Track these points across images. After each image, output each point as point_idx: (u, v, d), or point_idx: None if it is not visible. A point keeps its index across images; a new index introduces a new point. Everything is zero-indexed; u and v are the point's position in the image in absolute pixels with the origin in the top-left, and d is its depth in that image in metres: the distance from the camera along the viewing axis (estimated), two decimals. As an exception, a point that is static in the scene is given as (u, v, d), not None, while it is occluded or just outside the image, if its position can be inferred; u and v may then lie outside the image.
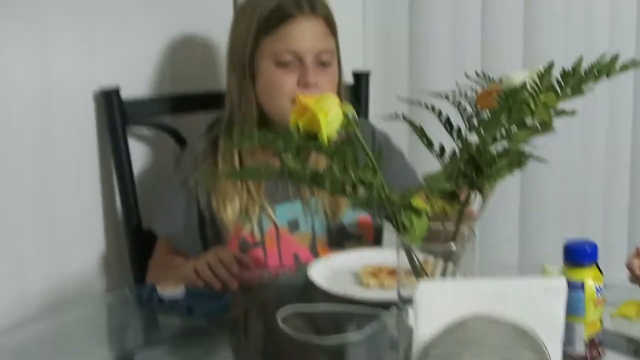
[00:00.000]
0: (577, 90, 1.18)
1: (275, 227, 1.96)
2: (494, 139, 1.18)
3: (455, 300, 1.15)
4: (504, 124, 1.17)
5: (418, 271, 1.24)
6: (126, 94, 2.13)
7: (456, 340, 1.14)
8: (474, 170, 1.21)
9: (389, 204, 1.20)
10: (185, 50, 2.23)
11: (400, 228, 1.22)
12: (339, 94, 1.96)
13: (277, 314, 1.58)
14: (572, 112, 1.22)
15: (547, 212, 2.59)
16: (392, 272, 1.70)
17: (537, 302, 1.15)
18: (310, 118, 1.18)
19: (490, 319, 1.14)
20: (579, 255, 1.35)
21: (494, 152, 1.20)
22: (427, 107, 1.31)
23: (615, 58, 1.16)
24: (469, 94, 1.32)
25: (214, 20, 2.23)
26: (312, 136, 1.19)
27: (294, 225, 1.98)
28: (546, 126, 1.22)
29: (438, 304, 1.14)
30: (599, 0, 2.55)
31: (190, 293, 1.68)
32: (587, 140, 2.58)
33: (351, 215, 1.97)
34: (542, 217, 2.59)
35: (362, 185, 1.20)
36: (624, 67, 1.17)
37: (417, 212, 1.22)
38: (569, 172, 2.55)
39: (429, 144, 1.27)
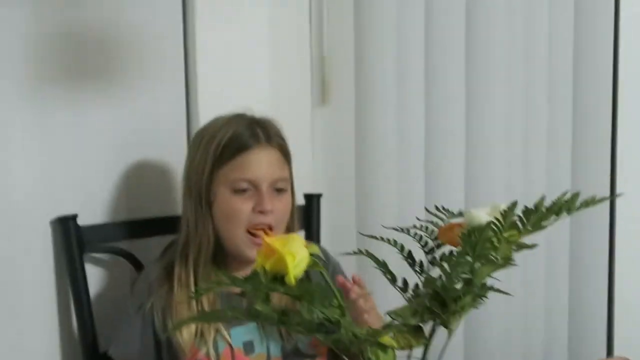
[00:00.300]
0: (538, 226, 1.13)
1: (230, 348, 1.86)
2: (459, 276, 1.12)
3: None
4: (469, 261, 1.11)
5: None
6: (82, 220, 2.03)
7: None
8: (439, 306, 1.14)
9: (357, 342, 1.12)
10: (139, 177, 2.15)
11: (367, 364, 1.14)
12: (292, 218, 1.91)
13: None
14: (533, 246, 1.16)
15: (490, 338, 2.52)
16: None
17: None
18: (277, 260, 1.10)
19: None
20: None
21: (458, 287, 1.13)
22: (388, 241, 1.25)
23: (575, 195, 1.11)
24: (428, 227, 1.26)
25: (168, 147, 2.17)
26: (278, 277, 1.12)
27: (249, 347, 1.88)
28: (507, 260, 1.16)
29: None
30: (534, 145, 2.51)
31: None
32: (527, 277, 2.53)
33: (305, 336, 1.88)
34: (486, 343, 2.52)
35: (329, 323, 1.13)
36: (585, 204, 1.11)
37: (383, 347, 1.14)
38: (512, 300, 2.49)
39: (393, 279, 1.21)
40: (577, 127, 2.50)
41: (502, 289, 1.15)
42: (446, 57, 2.41)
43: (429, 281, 1.14)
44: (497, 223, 1.10)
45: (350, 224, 2.39)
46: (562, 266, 2.65)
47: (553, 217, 1.12)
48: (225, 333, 1.85)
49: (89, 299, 2.04)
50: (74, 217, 2.02)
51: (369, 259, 1.23)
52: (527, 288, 2.56)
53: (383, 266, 1.21)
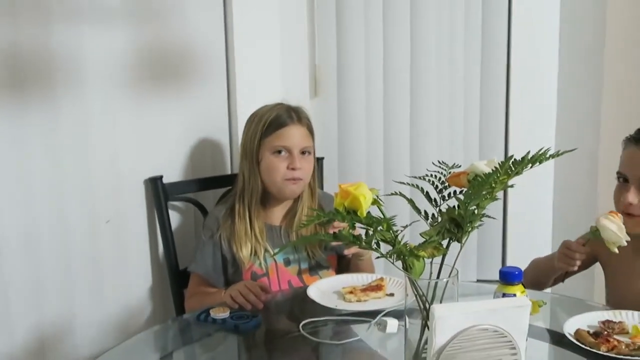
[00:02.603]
0: (520, 172, 1.11)
1: (275, 262, 1.83)
2: (470, 207, 1.10)
3: (458, 316, 1.06)
4: (478, 197, 1.09)
5: (420, 297, 1.14)
6: (166, 179, 1.98)
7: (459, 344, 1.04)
8: (455, 227, 1.12)
9: (402, 253, 1.10)
10: (200, 149, 2.09)
11: (408, 267, 1.12)
12: (314, 174, 1.88)
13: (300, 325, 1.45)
14: (512, 186, 1.15)
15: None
16: (364, 290, 1.61)
17: (511, 314, 1.06)
18: (353, 200, 1.07)
19: (480, 328, 1.05)
20: (510, 277, 1.28)
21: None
22: (413, 185, 1.22)
23: (545, 151, 1.09)
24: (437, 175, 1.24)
25: (216, 127, 2.13)
26: (350, 211, 1.09)
27: (287, 262, 1.84)
28: (494, 197, 1.14)
29: (447, 319, 1.05)
30: (456, 122, 2.49)
31: (234, 315, 1.53)
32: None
33: (323, 254, 1.86)
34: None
35: (384, 242, 1.10)
36: (552, 156, 1.10)
37: (417, 257, 1.12)
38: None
39: (419, 211, 1.18)
40: (483, 112, 2.50)
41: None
42: (397, 65, 2.40)
43: (450, 210, 1.12)
44: (497, 170, 1.08)
45: (334, 178, 2.39)
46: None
47: (530, 165, 1.10)
48: (271, 251, 1.82)
49: (171, 232, 2.00)
50: (160, 177, 1.97)
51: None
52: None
53: (411, 202, 1.18)
